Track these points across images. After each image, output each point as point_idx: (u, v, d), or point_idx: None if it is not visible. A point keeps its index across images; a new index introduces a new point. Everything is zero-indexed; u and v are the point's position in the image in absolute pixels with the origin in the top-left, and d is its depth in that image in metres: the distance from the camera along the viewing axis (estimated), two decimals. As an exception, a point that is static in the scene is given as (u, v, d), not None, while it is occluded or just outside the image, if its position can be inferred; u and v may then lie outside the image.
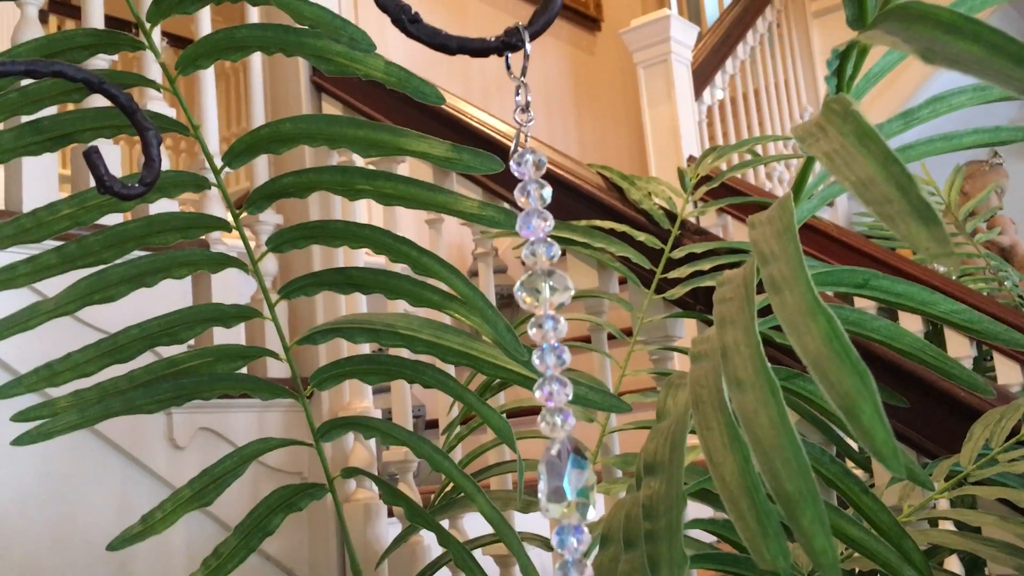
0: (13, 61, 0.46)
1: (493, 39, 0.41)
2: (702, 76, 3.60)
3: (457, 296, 0.83)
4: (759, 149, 3.77)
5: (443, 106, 1.60)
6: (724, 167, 3.20)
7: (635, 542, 0.56)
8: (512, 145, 0.41)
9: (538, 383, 0.41)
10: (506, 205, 1.67)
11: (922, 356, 0.84)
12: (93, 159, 0.50)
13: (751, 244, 0.50)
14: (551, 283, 0.41)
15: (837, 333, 0.38)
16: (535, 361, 0.41)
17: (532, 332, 0.41)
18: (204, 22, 1.77)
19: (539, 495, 0.40)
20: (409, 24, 0.41)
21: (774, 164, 3.95)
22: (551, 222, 0.41)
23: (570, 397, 0.41)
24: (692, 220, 1.55)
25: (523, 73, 0.42)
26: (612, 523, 0.66)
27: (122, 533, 1.03)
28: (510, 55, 0.42)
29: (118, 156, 1.67)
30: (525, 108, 0.42)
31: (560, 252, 0.42)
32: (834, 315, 0.39)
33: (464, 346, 0.84)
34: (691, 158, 3.20)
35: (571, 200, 1.60)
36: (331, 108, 1.93)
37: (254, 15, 1.94)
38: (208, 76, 1.78)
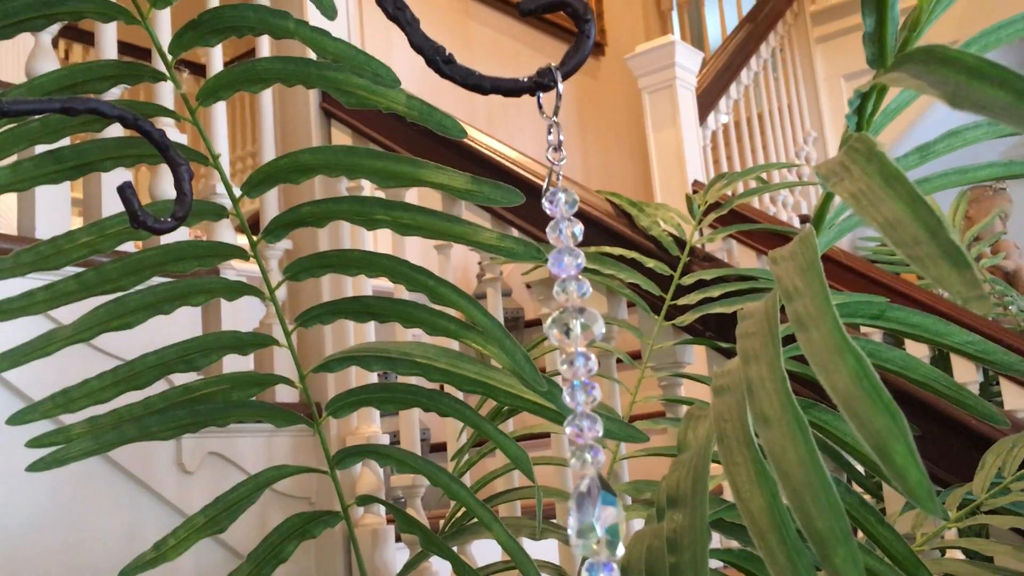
0: (50, 99, 0.47)
1: (526, 79, 0.42)
2: (706, 101, 3.62)
3: (472, 325, 0.83)
4: (764, 175, 3.79)
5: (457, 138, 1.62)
6: (732, 193, 3.21)
7: (657, 575, 0.56)
8: (544, 183, 0.42)
9: (568, 419, 0.41)
10: (515, 232, 1.68)
11: (936, 386, 0.85)
12: (127, 194, 0.50)
13: (775, 280, 0.51)
14: (582, 320, 0.41)
15: (867, 372, 0.38)
16: (566, 398, 0.41)
17: (563, 368, 0.41)
18: (216, 50, 1.79)
19: (568, 531, 0.41)
20: (443, 65, 0.42)
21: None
22: (582, 260, 0.42)
23: (600, 434, 0.41)
24: (701, 246, 1.56)
25: (555, 113, 0.42)
26: (632, 554, 0.66)
27: (134, 560, 1.03)
28: (542, 95, 0.43)
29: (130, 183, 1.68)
30: (558, 147, 0.42)
31: (591, 290, 0.42)
32: (863, 353, 0.39)
33: (480, 375, 0.85)
34: (696, 183, 3.22)
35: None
36: (341, 134, 1.94)
37: (264, 44, 1.96)
38: (219, 104, 1.79)
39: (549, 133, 0.43)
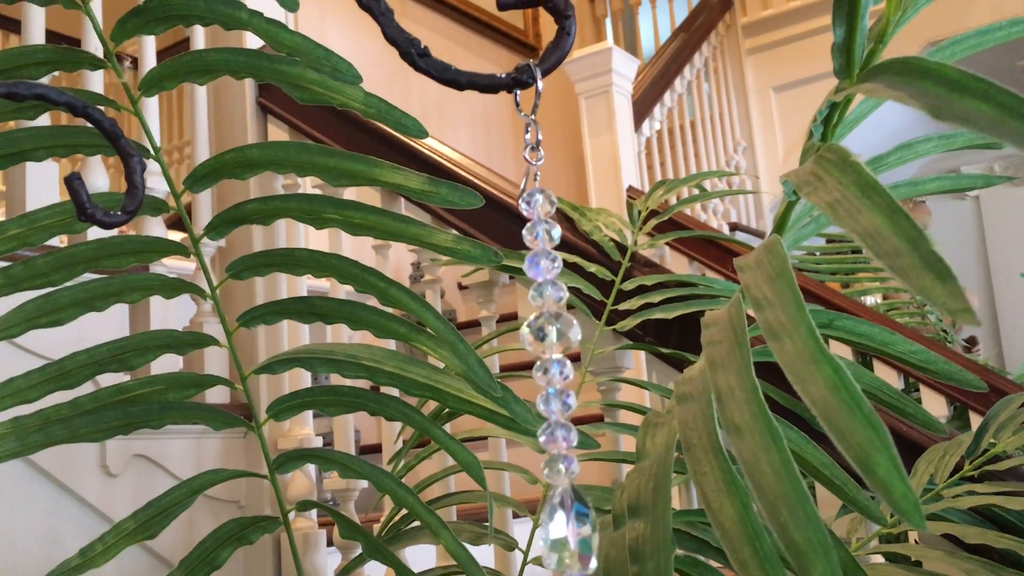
0: (-4, 82, 0.44)
1: (504, 75, 0.41)
2: (641, 108, 3.66)
3: (422, 328, 0.82)
4: (706, 183, 3.84)
5: (397, 135, 1.59)
6: (673, 200, 3.24)
7: (617, 584, 0.55)
8: (522, 184, 0.41)
9: (543, 428, 0.40)
10: (455, 232, 1.66)
11: (879, 395, 0.86)
12: (75, 185, 0.48)
13: (743, 288, 0.51)
14: (558, 326, 0.40)
15: (845, 382, 0.38)
16: (539, 406, 0.40)
17: (537, 376, 0.40)
18: (150, 40, 1.73)
19: (541, 543, 0.40)
20: (418, 58, 0.41)
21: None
22: (559, 263, 0.41)
23: (575, 443, 0.40)
24: (642, 252, 1.57)
25: (533, 111, 0.41)
26: (587, 562, 0.65)
27: (59, 566, 0.99)
28: (519, 92, 0.42)
29: (56, 174, 1.62)
30: (536, 147, 0.41)
31: (567, 294, 0.41)
32: (840, 363, 0.39)
33: (429, 379, 0.83)
34: (631, 189, 3.24)
35: (520, 228, 1.60)
36: (277, 130, 1.90)
37: (198, 35, 1.91)
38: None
39: (526, 132, 0.42)
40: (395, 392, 1.38)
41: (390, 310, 0.87)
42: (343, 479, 1.64)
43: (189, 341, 0.91)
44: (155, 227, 1.68)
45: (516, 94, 0.42)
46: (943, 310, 0.34)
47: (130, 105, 0.82)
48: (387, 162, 0.77)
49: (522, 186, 0.41)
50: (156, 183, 1.65)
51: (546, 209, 0.41)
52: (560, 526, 0.39)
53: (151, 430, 1.56)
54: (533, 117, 0.42)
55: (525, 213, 0.41)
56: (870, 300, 3.73)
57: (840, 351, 2.24)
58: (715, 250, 2.79)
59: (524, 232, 0.41)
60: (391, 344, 1.50)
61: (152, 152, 0.85)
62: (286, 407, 0.90)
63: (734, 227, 4.27)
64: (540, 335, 0.40)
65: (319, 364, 0.86)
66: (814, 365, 0.40)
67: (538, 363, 0.40)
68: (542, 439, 0.40)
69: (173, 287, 0.91)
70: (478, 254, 0.75)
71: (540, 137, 0.42)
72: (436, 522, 0.81)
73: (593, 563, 0.39)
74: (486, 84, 0.41)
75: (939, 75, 0.40)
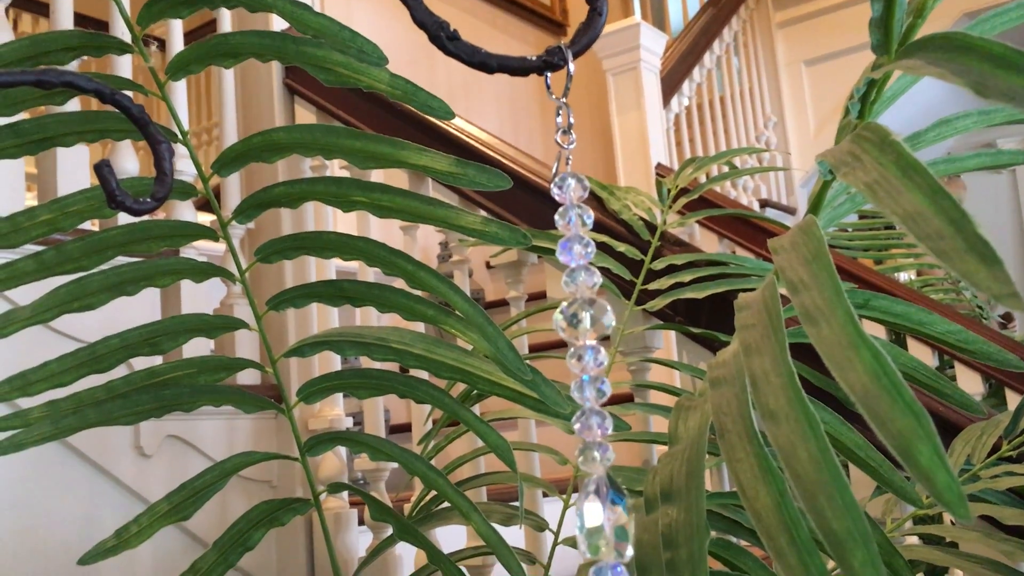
0: (23, 71, 0.44)
1: (534, 58, 0.40)
2: (670, 84, 3.62)
3: (451, 310, 0.82)
4: (732, 159, 3.80)
5: (424, 116, 1.59)
6: (704, 178, 3.21)
7: (650, 570, 0.55)
8: (553, 168, 0.40)
9: (576, 415, 0.40)
10: (483, 213, 1.66)
11: (916, 375, 0.85)
12: (104, 172, 0.48)
13: (778, 271, 0.50)
14: (592, 312, 0.40)
15: (886, 368, 0.37)
16: (573, 393, 0.40)
17: (571, 363, 0.40)
18: (177, 24, 1.73)
19: (576, 532, 0.39)
20: (448, 41, 0.40)
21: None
22: (592, 248, 0.40)
23: (610, 431, 0.40)
24: (671, 231, 1.55)
25: (565, 93, 0.40)
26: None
27: (95, 547, 1.00)
28: (549, 75, 0.41)
29: (87, 159, 1.63)
30: (567, 130, 0.41)
31: (600, 279, 0.41)
32: (880, 348, 0.38)
33: (458, 361, 0.83)
34: (660, 166, 3.22)
35: (548, 208, 1.60)
36: (304, 111, 1.90)
37: (225, 18, 1.91)
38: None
39: (558, 115, 0.41)
40: (424, 375, 1.38)
41: (419, 292, 0.87)
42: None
43: (219, 325, 0.91)
44: (184, 211, 1.69)
45: (547, 77, 0.41)
46: (988, 295, 0.33)
47: (157, 89, 0.82)
48: (414, 144, 0.76)
49: (554, 170, 0.40)
50: (185, 166, 1.66)
51: (579, 194, 0.41)
52: (596, 514, 0.39)
53: (184, 412, 1.58)
54: (564, 100, 0.41)
55: (557, 198, 0.41)
56: (903, 276, 3.68)
57: (873, 330, 2.22)
58: (746, 228, 2.76)
59: (556, 217, 0.40)
60: (420, 327, 1.50)
61: (180, 136, 0.85)
62: (316, 390, 0.90)
63: (764, 204, 4.22)
64: (574, 321, 0.40)
65: (348, 347, 0.85)
66: (853, 351, 0.39)
67: (572, 350, 0.40)
68: (576, 427, 0.39)
69: (203, 271, 0.91)
70: (506, 236, 0.74)
71: (572, 120, 0.41)
72: (466, 504, 0.81)
73: (630, 551, 0.39)
74: (516, 67, 0.41)
75: (983, 51, 0.38)
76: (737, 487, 0.44)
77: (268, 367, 0.96)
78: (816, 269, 0.46)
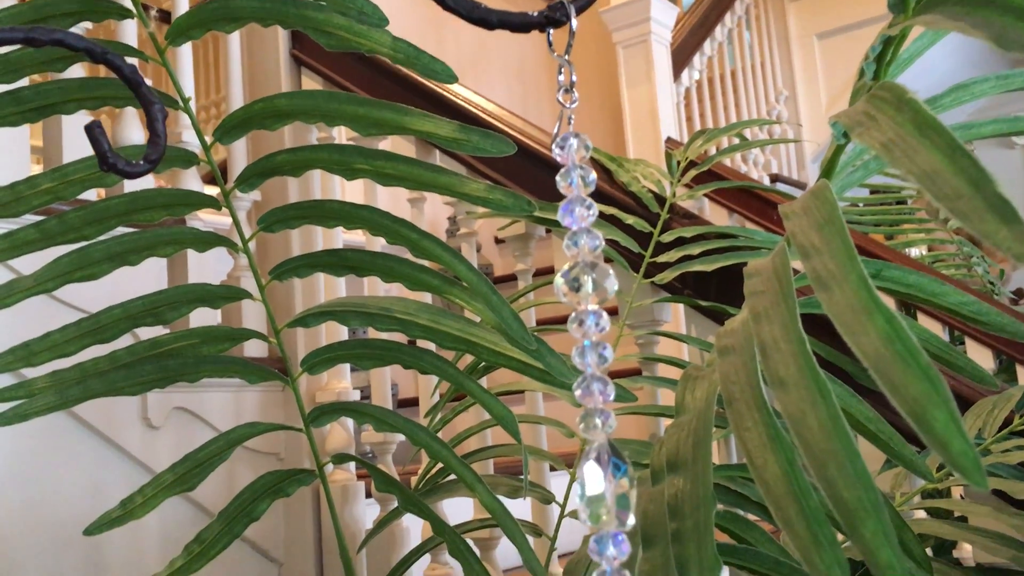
0: (12, 28, 0.43)
1: (536, 14, 0.39)
2: (681, 57, 3.58)
3: (455, 280, 0.80)
4: (744, 132, 3.77)
5: (430, 84, 1.57)
6: (713, 150, 3.19)
7: (656, 541, 0.54)
8: (555, 128, 0.39)
9: (578, 382, 0.39)
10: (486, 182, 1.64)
11: (928, 348, 0.83)
12: (95, 134, 0.46)
13: (789, 236, 0.48)
14: (594, 276, 0.38)
15: (900, 333, 0.36)
16: (575, 359, 0.39)
17: (572, 328, 0.39)
18: (181, -10, 1.72)
19: (576, 500, 0.38)
20: (446, -3, 0.39)
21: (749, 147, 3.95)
22: (595, 211, 0.39)
23: (612, 397, 0.38)
24: (680, 204, 1.53)
25: (567, 51, 0.39)
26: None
27: (100, 517, 1.00)
28: (552, 32, 0.40)
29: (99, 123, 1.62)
30: (569, 89, 0.39)
31: (603, 243, 0.39)
32: (894, 313, 0.37)
33: (463, 331, 0.82)
34: (670, 140, 3.19)
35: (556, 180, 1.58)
36: (311, 83, 1.88)
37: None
38: (185, 46, 1.72)
39: (559, 73, 0.40)
40: (431, 346, 1.37)
41: (424, 263, 0.86)
42: (381, 433, 1.64)
43: (222, 295, 0.91)
44: (191, 181, 1.67)
45: (549, 33, 0.40)
46: (1008, 255, 0.32)
47: (157, 55, 0.80)
48: (417, 110, 0.75)
49: (555, 130, 0.39)
50: (189, 137, 1.65)
51: (581, 154, 0.39)
52: (597, 481, 0.38)
53: (191, 383, 1.58)
54: (567, 58, 0.40)
55: (559, 159, 0.39)
56: (915, 252, 3.65)
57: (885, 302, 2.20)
58: (756, 202, 2.74)
59: (558, 178, 0.39)
60: (427, 298, 1.49)
61: (180, 103, 0.84)
62: (320, 360, 0.89)
63: (775, 178, 4.19)
64: (575, 285, 0.39)
65: (352, 317, 0.85)
66: (866, 315, 0.38)
67: (573, 314, 0.39)
68: (578, 393, 0.38)
69: (205, 241, 0.90)
70: (510, 203, 0.73)
71: (575, 79, 0.40)
72: (471, 476, 0.81)
73: (631, 519, 0.38)
74: (517, 23, 0.39)
75: (1003, 3, 0.37)
76: (745, 456, 0.43)
77: (273, 338, 0.95)
78: (828, 233, 0.45)
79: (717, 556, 0.45)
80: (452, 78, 0.73)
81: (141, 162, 0.48)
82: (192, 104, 1.72)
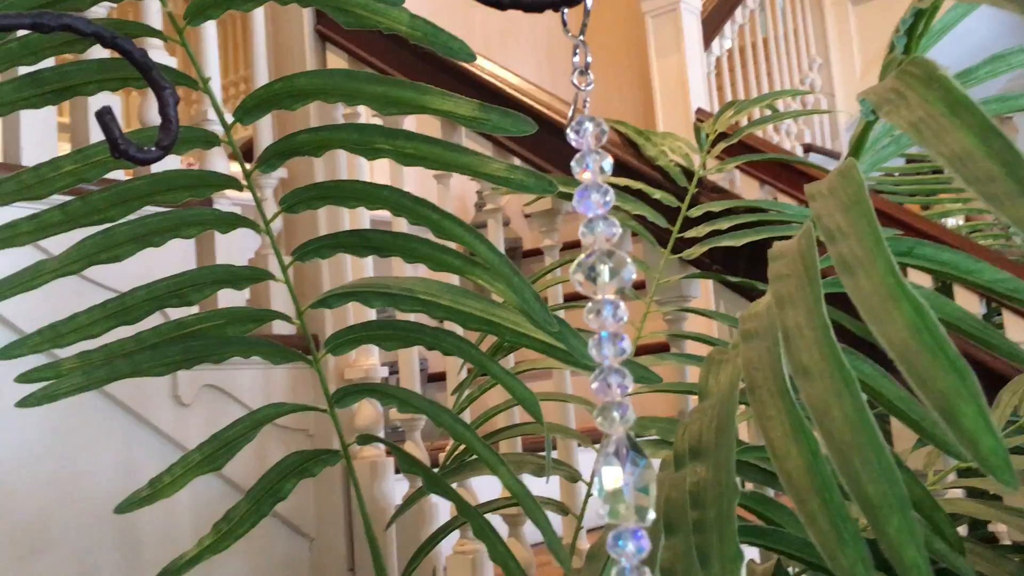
0: (19, 13, 0.42)
1: (549, -6, 0.38)
2: (711, 26, 3.53)
3: (477, 260, 0.80)
4: (776, 103, 3.70)
5: (459, 63, 1.55)
6: (743, 121, 3.14)
7: (677, 528, 0.53)
8: (570, 111, 0.38)
9: (595, 374, 0.38)
10: (517, 162, 1.62)
11: (962, 325, 0.81)
12: (106, 120, 0.46)
13: (814, 218, 0.47)
14: (611, 265, 0.37)
15: (928, 323, 0.35)
16: (591, 351, 0.38)
17: (589, 318, 0.38)
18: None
19: (594, 494, 0.37)
20: (456, -24, 0.37)
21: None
22: (611, 197, 0.38)
23: (630, 389, 0.37)
24: (709, 177, 1.51)
25: (582, 31, 0.38)
26: (648, 503, 0.63)
27: (130, 496, 1.01)
28: (566, 10, 0.38)
29: (118, 107, 1.62)
30: (585, 70, 0.38)
31: (620, 230, 0.38)
32: (923, 301, 0.36)
33: (485, 312, 0.81)
34: (700, 111, 3.15)
35: (584, 155, 1.56)
36: (336, 59, 1.87)
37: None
38: (209, 25, 1.72)
39: (575, 54, 0.38)
40: (457, 328, 1.36)
41: (447, 243, 0.85)
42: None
43: (246, 275, 0.90)
44: (217, 161, 1.68)
45: (563, 13, 0.38)
46: (1043, 244, 0.30)
47: (176, 35, 0.80)
48: (437, 88, 0.74)
49: (570, 113, 0.38)
50: (214, 116, 1.64)
51: (597, 138, 0.38)
52: (615, 476, 0.37)
53: (213, 363, 1.59)
54: (582, 38, 0.38)
55: (574, 143, 0.38)
56: (951, 222, 3.59)
57: (918, 279, 2.16)
58: (787, 173, 2.69)
59: (573, 164, 0.38)
60: (455, 279, 1.49)
61: (201, 83, 0.83)
62: (343, 341, 0.89)
63: (808, 148, 4.13)
64: (592, 275, 0.37)
65: (374, 298, 0.84)
66: (892, 303, 0.37)
67: (590, 304, 0.38)
68: (594, 386, 0.37)
69: (227, 221, 0.90)
70: (532, 183, 0.72)
71: (589, 60, 0.38)
72: (493, 457, 0.80)
73: (651, 514, 0.37)
74: (530, 2, 0.38)
75: (1042, -25, 0.35)
76: (767, 446, 0.42)
77: (297, 319, 0.95)
78: (855, 216, 0.44)
79: (739, 548, 0.44)
80: (470, 56, 0.72)
81: (153, 148, 0.48)
82: (216, 83, 1.72)
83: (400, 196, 0.79)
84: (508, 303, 0.76)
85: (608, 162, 0.38)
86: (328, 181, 0.83)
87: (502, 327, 0.80)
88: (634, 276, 0.38)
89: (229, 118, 0.83)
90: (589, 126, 0.38)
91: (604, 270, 0.37)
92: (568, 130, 0.38)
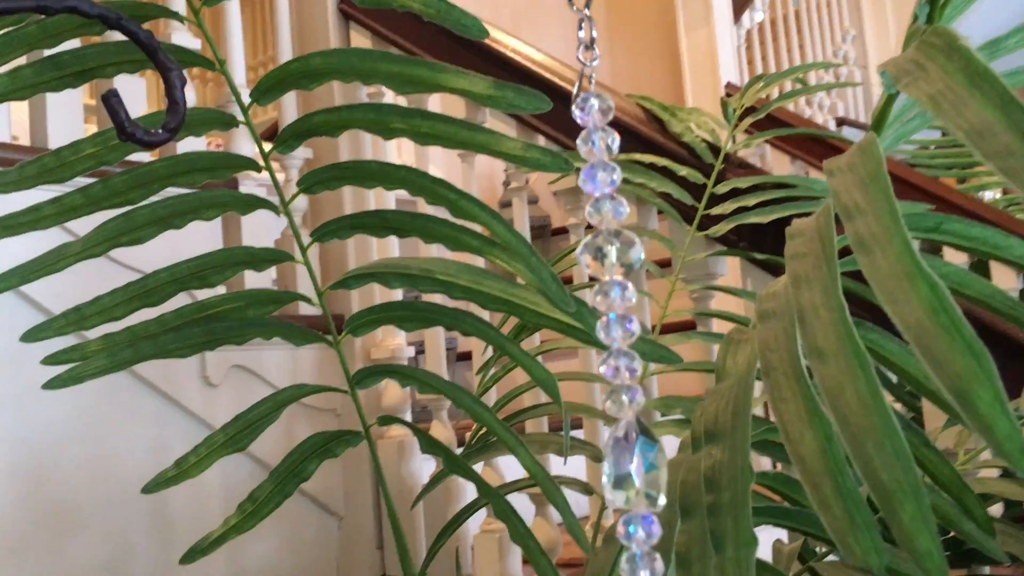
0: (19, -4, 0.42)
1: (552, -33, 0.36)
2: (741, -2, 3.47)
3: (497, 240, 0.79)
4: (807, 76, 3.64)
5: (484, 41, 1.54)
6: (770, 96, 3.09)
7: (693, 512, 0.53)
8: (575, 88, 0.37)
9: (604, 358, 0.37)
10: (542, 140, 1.61)
11: (992, 303, 0.79)
12: (112, 103, 0.45)
13: (831, 195, 0.46)
14: (618, 245, 0.36)
15: (944, 303, 0.34)
16: (599, 333, 0.37)
17: (597, 300, 0.37)
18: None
19: (603, 479, 0.37)
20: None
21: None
22: (618, 175, 0.37)
23: (639, 373, 0.37)
24: (736, 153, 1.49)
25: (587, 4, 0.37)
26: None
27: (156, 476, 1.02)
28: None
29: (143, 90, 1.63)
30: (590, 45, 0.37)
31: (628, 209, 0.37)
32: (939, 281, 0.35)
33: (505, 292, 0.81)
34: (730, 86, 3.11)
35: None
36: (360, 38, 1.87)
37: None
38: (233, 5, 1.72)
39: (580, 29, 0.37)
40: (483, 311, 1.36)
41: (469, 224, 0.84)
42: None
43: (265, 257, 0.90)
44: (242, 142, 1.68)
45: (569, -15, 0.37)
46: (1063, 221, 0.29)
47: (192, 16, 0.80)
48: (452, 67, 0.73)
49: (575, 90, 0.37)
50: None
51: (603, 115, 0.37)
52: (625, 462, 0.36)
53: (249, 343, 1.60)
54: (587, 12, 0.37)
55: (580, 121, 0.37)
56: (988, 195, 3.52)
57: (953, 257, 2.12)
58: (819, 148, 2.65)
59: (579, 142, 0.37)
60: (480, 261, 1.48)
61: (217, 64, 0.83)
62: (363, 322, 0.88)
63: (841, 122, 4.06)
64: (599, 255, 0.37)
65: (393, 279, 0.84)
66: (909, 282, 0.36)
67: (597, 286, 0.37)
68: (603, 370, 0.37)
69: (247, 203, 0.90)
70: (548, 161, 0.71)
71: (595, 35, 0.37)
72: (512, 439, 0.80)
73: (662, 500, 0.36)
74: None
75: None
76: (780, 429, 0.41)
77: (318, 300, 0.95)
78: (873, 192, 0.42)
79: (753, 532, 0.44)
80: (483, 33, 0.71)
81: (159, 131, 0.47)
82: (240, 65, 1.72)
83: (417, 176, 0.79)
84: (528, 283, 0.76)
85: (614, 139, 0.37)
86: (346, 161, 0.83)
87: (521, 307, 0.80)
88: (643, 257, 0.37)
89: (247, 99, 0.83)
90: (595, 103, 0.37)
91: (611, 251, 0.36)
92: (573, 107, 0.37)
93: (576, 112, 0.37)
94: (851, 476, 0.37)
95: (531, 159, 0.71)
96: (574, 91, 0.36)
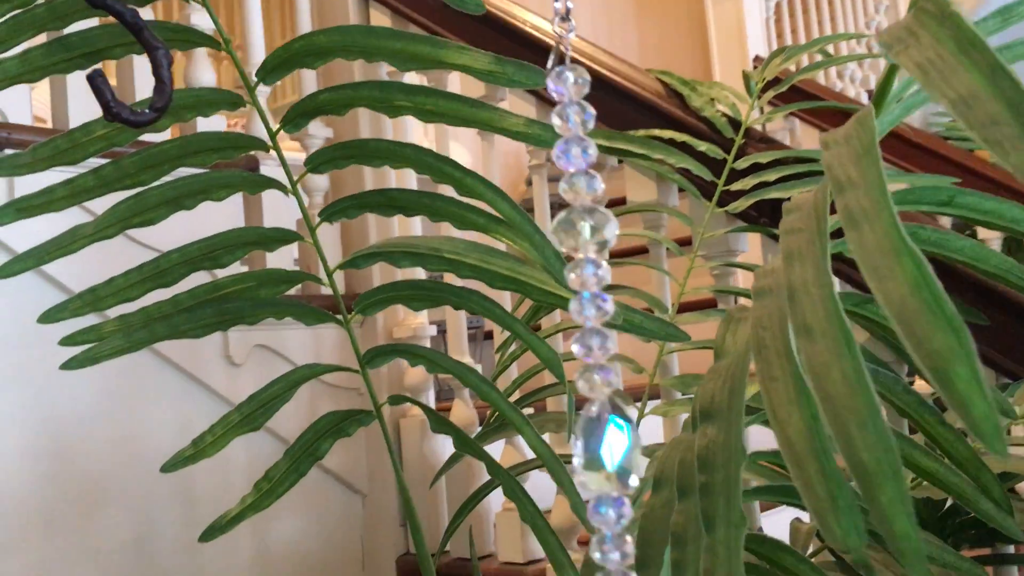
0: (-4, -24, 0.41)
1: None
2: (771, -30, 3.42)
3: (504, 219, 0.78)
4: (830, 48, 3.57)
5: (499, 13, 1.53)
6: (794, 68, 3.04)
7: (688, 492, 0.52)
8: (549, 61, 0.36)
9: (576, 336, 0.36)
10: (532, 116, 1.59)
11: (1009, 277, 0.77)
12: (97, 83, 0.45)
13: (824, 167, 0.44)
14: (592, 222, 0.36)
15: (927, 280, 0.32)
16: (572, 311, 0.36)
17: (571, 278, 0.36)
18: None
19: (574, 461, 0.36)
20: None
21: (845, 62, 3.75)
22: (593, 151, 0.36)
23: (613, 351, 0.36)
24: (758, 127, 1.47)
25: (561, -24, 0.36)
26: (666, 465, 0.62)
27: (174, 456, 1.03)
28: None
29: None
30: (565, 16, 0.36)
31: (603, 186, 0.36)
32: (923, 258, 0.33)
33: (512, 271, 0.80)
34: (757, 59, 3.06)
35: (628, 108, 1.53)
36: (380, 16, 1.86)
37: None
38: (253, -14, 1.72)
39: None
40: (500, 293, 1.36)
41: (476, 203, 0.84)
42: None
43: (275, 237, 0.91)
44: (261, 124, 1.68)
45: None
46: (1043, 192, 0.28)
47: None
48: (454, 43, 0.72)
49: (550, 63, 0.36)
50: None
51: (578, 90, 0.36)
52: (595, 442, 0.36)
53: (270, 323, 1.61)
54: (563, -20, 0.36)
55: (555, 95, 0.36)
56: None
57: (986, 234, 2.07)
58: (846, 120, 2.61)
59: (553, 116, 0.36)
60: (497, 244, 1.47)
61: (223, 44, 0.83)
62: (372, 302, 0.88)
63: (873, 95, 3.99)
64: (571, 232, 0.36)
65: (401, 257, 0.83)
66: (894, 258, 0.34)
67: (569, 264, 0.36)
68: (575, 348, 0.36)
69: (257, 183, 0.90)
70: (550, 138, 0.70)
71: (571, 5, 0.36)
72: (518, 418, 0.79)
73: (634, 482, 0.36)
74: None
75: None
76: (767, 409, 0.40)
77: (327, 280, 0.95)
78: (866, 165, 0.41)
79: (743, 514, 0.43)
80: (479, 8, 0.70)
81: (146, 111, 0.47)
82: (260, 45, 1.72)
83: (422, 154, 0.78)
84: (532, 260, 0.75)
85: (590, 114, 0.36)
86: (352, 140, 0.82)
87: (529, 285, 0.79)
88: (616, 233, 0.36)
89: (253, 79, 0.83)
90: (569, 76, 0.36)
91: (585, 227, 0.36)
92: (548, 80, 0.36)
93: (551, 85, 0.36)
94: (834, 457, 0.36)
95: (532, 135, 0.70)
96: (549, 64, 0.36)
